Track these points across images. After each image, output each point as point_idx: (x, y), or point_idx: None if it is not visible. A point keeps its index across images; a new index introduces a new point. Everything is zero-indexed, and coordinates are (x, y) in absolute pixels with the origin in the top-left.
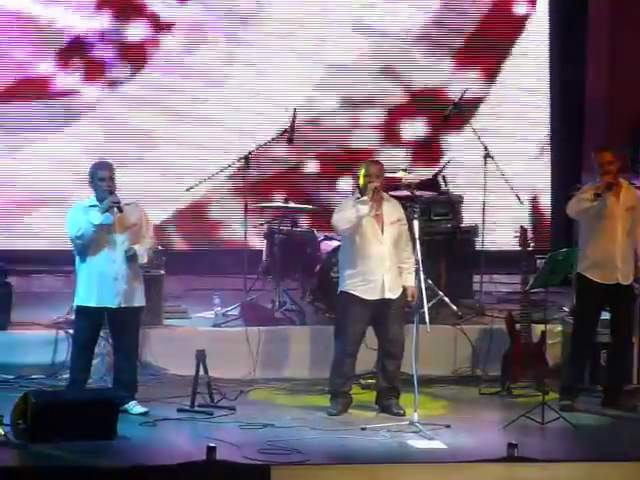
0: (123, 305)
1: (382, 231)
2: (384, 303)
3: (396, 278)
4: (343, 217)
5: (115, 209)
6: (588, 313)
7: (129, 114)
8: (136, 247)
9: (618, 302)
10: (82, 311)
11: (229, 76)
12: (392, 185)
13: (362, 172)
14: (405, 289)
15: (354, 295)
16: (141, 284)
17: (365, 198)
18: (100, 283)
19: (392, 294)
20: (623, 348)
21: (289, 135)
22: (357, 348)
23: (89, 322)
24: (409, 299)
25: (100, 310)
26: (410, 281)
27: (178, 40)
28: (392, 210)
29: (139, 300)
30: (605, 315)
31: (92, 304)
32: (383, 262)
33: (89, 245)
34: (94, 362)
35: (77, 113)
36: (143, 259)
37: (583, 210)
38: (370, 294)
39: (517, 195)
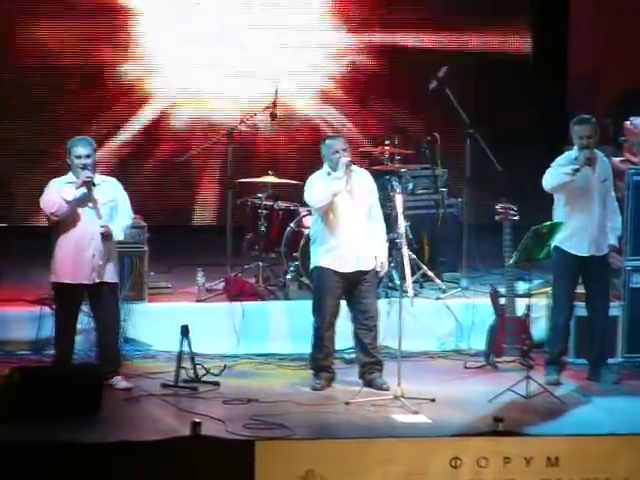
0: (98, 280)
1: (353, 203)
2: (358, 275)
3: (369, 249)
4: (318, 195)
5: (90, 185)
6: (564, 285)
7: None
8: (112, 225)
9: (593, 274)
10: (58, 288)
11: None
12: (376, 159)
13: (326, 147)
14: (375, 259)
15: (328, 269)
16: (115, 261)
17: (338, 174)
18: (77, 259)
19: (365, 265)
20: (600, 321)
21: (272, 110)
22: (334, 321)
23: (66, 298)
24: (378, 269)
25: (76, 286)
26: (379, 251)
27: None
28: (361, 181)
29: (113, 276)
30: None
31: (67, 280)
32: (355, 234)
33: (65, 220)
34: (78, 338)
35: None
36: (119, 236)
37: (561, 185)
38: (345, 267)
39: (495, 162)
